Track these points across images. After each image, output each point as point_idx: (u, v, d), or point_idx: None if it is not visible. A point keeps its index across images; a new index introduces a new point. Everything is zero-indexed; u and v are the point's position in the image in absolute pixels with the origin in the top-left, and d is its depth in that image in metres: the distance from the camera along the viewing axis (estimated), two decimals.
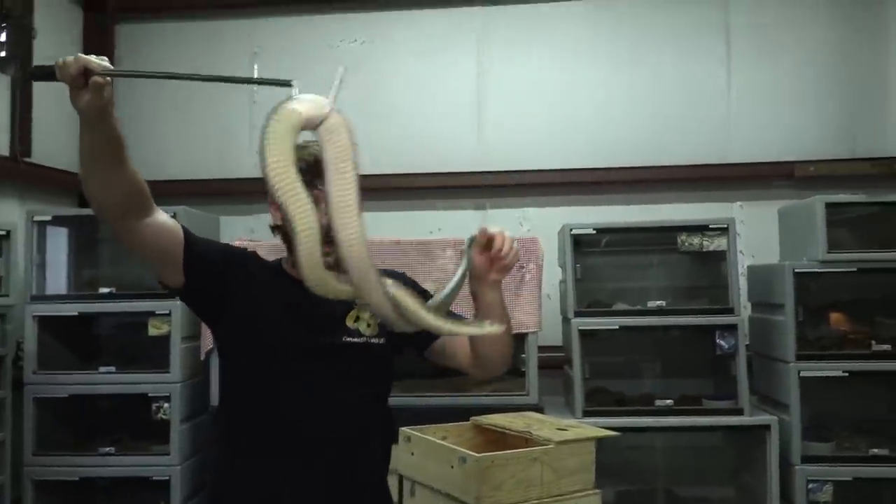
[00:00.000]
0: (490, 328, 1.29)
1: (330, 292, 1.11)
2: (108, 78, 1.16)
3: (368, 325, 1.50)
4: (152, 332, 3.55)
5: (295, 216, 1.05)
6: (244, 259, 1.56)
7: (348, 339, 1.48)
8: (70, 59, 1.11)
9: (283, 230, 1.47)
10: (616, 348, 3.79)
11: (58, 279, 3.86)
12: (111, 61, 1.20)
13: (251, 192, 4.09)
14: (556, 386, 3.91)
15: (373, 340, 1.50)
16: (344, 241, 1.07)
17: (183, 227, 1.46)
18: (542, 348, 3.53)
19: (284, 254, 1.55)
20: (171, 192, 4.46)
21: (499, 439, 2.44)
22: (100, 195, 1.32)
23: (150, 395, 3.53)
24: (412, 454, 1.89)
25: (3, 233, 3.25)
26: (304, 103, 1.13)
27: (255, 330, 1.47)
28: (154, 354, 3.61)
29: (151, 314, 3.56)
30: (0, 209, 3.85)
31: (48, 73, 1.16)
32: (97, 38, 4.62)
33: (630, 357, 3.83)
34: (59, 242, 3.91)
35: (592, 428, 2.51)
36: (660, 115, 4.45)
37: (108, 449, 3.55)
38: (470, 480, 1.71)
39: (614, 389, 3.70)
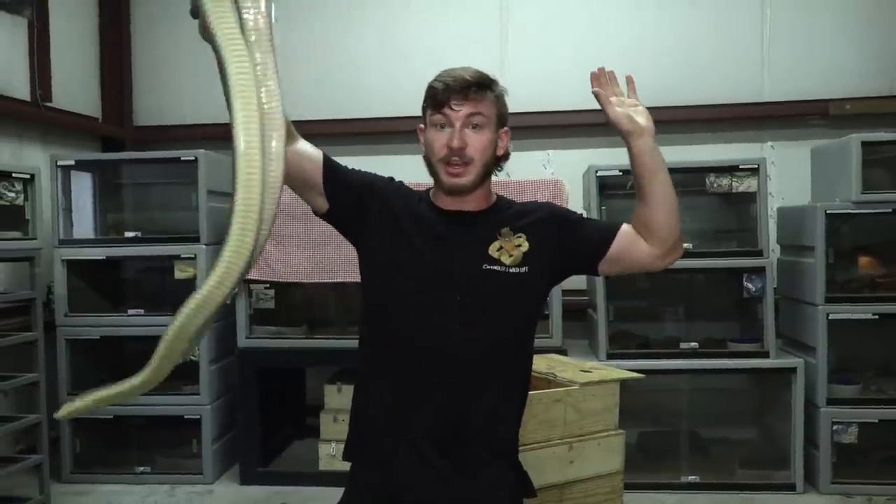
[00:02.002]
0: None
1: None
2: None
3: (510, 256, 1.45)
4: (178, 275, 3.60)
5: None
6: (386, 186, 1.54)
7: (488, 266, 1.44)
8: None
9: (428, 159, 1.47)
10: (641, 291, 3.76)
11: (84, 223, 3.90)
12: None
13: None
14: (578, 330, 3.91)
15: (512, 270, 1.44)
16: (239, 149, 0.95)
17: (325, 154, 1.48)
18: (565, 292, 3.51)
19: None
20: (191, 136, 4.46)
21: None
22: None
23: None
24: None
25: (28, 177, 3.27)
26: None
27: (389, 254, 1.47)
28: (181, 297, 3.56)
29: (177, 258, 3.60)
30: (23, 154, 3.88)
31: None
32: None
33: (655, 300, 3.80)
34: (83, 187, 3.94)
35: (616, 370, 2.51)
36: (689, 50, 4.29)
37: None
38: None
39: (639, 333, 3.69)
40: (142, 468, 3.66)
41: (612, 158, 3.96)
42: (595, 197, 3.50)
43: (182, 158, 3.69)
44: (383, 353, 1.49)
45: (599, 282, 3.45)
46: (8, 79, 3.76)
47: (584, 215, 1.60)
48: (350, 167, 1.54)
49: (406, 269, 1.46)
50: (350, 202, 1.49)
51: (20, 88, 3.85)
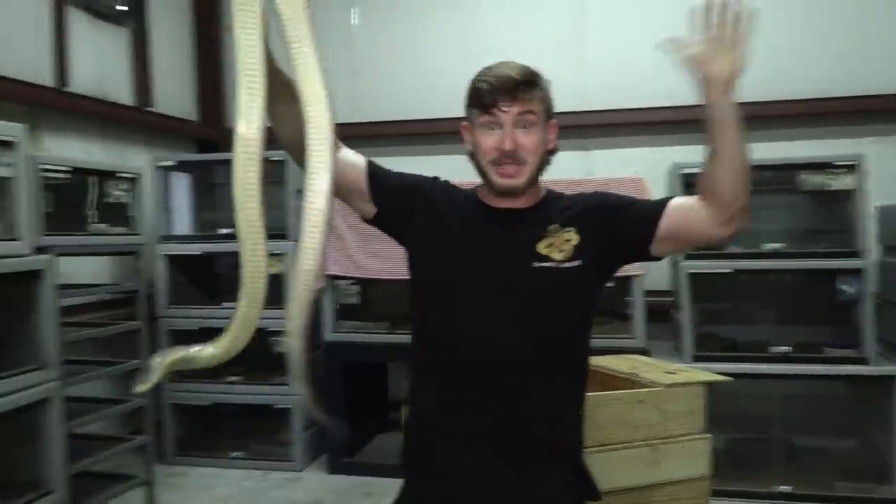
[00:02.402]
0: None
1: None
2: None
3: (561, 251, 1.40)
4: (269, 270, 3.74)
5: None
6: (431, 186, 1.52)
7: (538, 264, 1.39)
8: None
9: (475, 158, 1.44)
10: (727, 293, 3.64)
11: (182, 220, 4.13)
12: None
13: (343, 139, 4.16)
14: (661, 331, 3.82)
15: (565, 265, 1.39)
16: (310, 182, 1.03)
17: (369, 160, 1.48)
18: (648, 293, 3.46)
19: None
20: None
21: (605, 381, 2.44)
22: (279, 132, 1.33)
23: (268, 329, 3.74)
24: None
25: (133, 176, 3.50)
26: None
27: (438, 255, 1.45)
28: (271, 291, 3.78)
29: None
30: (129, 155, 4.14)
31: None
32: None
33: (742, 302, 3.68)
34: (182, 186, 4.17)
35: (703, 372, 2.45)
36: (780, 42, 4.10)
37: (234, 378, 3.84)
38: None
39: (725, 335, 3.58)
40: (235, 454, 3.85)
41: (695, 156, 3.86)
42: (680, 194, 3.42)
43: (271, 159, 3.84)
44: (435, 354, 1.46)
45: (684, 282, 3.38)
46: (114, 86, 4.02)
47: (636, 198, 1.51)
48: (395, 170, 1.52)
49: (454, 269, 1.43)
50: (396, 205, 1.48)
51: (125, 95, 4.11)
